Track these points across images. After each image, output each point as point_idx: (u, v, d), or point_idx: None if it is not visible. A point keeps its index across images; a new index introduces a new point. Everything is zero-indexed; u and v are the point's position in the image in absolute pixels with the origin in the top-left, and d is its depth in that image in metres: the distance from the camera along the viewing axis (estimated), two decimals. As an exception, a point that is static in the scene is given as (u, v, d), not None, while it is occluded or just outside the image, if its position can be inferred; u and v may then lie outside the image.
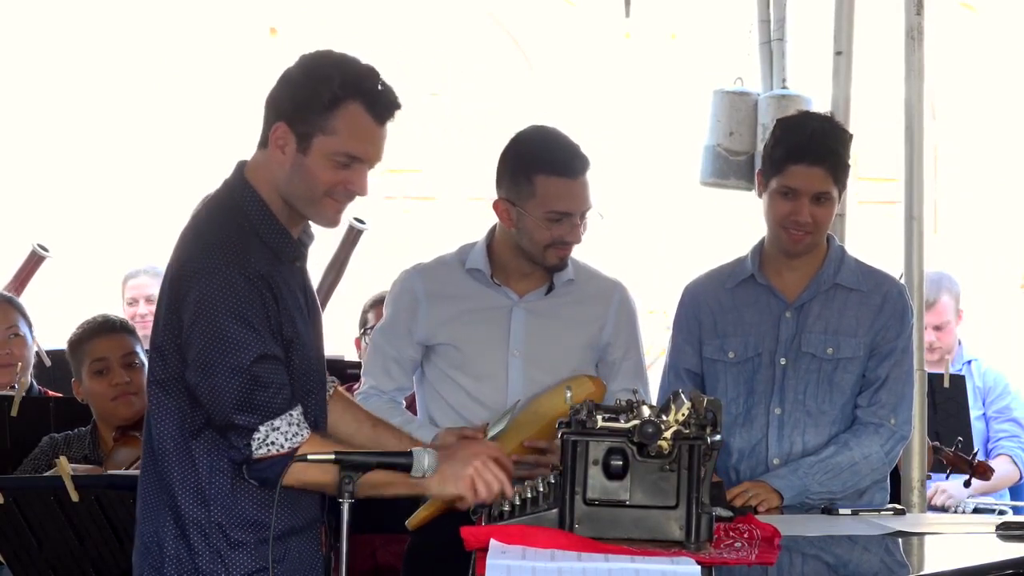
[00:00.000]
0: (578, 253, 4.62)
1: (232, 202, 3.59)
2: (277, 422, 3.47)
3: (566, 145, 4.47)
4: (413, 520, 4.17)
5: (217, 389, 3.47)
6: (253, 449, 3.46)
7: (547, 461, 4.27)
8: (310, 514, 3.68)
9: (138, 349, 5.20)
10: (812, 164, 4.43)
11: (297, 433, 3.48)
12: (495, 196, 4.52)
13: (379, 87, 3.54)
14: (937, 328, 6.73)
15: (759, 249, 4.64)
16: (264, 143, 3.59)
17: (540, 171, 4.39)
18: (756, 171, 4.64)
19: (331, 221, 3.62)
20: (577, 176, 4.42)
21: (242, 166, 3.64)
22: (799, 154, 4.42)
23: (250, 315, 3.46)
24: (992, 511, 6.36)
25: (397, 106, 3.57)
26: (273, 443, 3.47)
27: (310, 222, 3.67)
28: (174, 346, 3.53)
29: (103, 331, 5.19)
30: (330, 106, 3.50)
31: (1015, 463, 6.66)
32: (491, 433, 4.30)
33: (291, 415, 3.49)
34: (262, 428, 3.46)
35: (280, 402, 3.48)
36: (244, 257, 3.49)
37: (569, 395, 3.88)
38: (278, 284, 3.53)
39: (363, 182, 3.57)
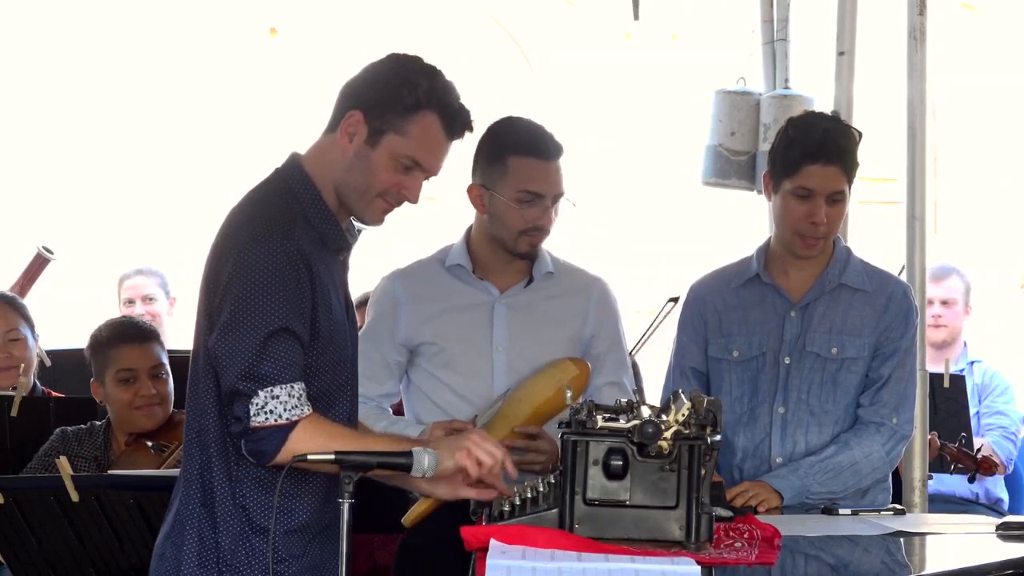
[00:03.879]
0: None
1: (284, 184, 3.62)
2: (277, 390, 3.44)
3: (540, 130, 4.50)
4: (409, 517, 4.16)
5: (230, 354, 3.46)
6: (251, 415, 3.44)
7: (537, 447, 4.28)
8: (337, 513, 3.68)
9: (164, 359, 5.17)
10: (827, 164, 4.43)
11: (297, 407, 3.46)
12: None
13: (458, 106, 3.62)
14: (944, 303, 6.76)
15: (764, 249, 4.65)
16: (329, 127, 3.64)
17: (513, 152, 4.42)
18: (763, 173, 4.63)
19: (376, 220, 3.66)
20: (550, 159, 4.45)
21: (295, 156, 3.66)
22: (814, 154, 4.42)
23: (280, 287, 3.47)
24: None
25: (470, 128, 3.66)
26: (271, 412, 3.44)
27: (354, 223, 3.70)
28: (206, 320, 3.54)
29: (133, 339, 5.13)
30: (411, 109, 3.56)
31: (997, 455, 6.66)
32: (479, 425, 4.30)
33: (292, 387, 3.46)
34: (261, 393, 3.44)
35: (284, 374, 3.46)
36: (287, 232, 3.51)
37: (569, 395, 3.87)
38: (318, 269, 3.54)
39: (417, 189, 3.63)
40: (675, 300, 5.62)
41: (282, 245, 3.48)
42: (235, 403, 3.47)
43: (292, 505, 3.57)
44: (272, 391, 3.45)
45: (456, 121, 3.61)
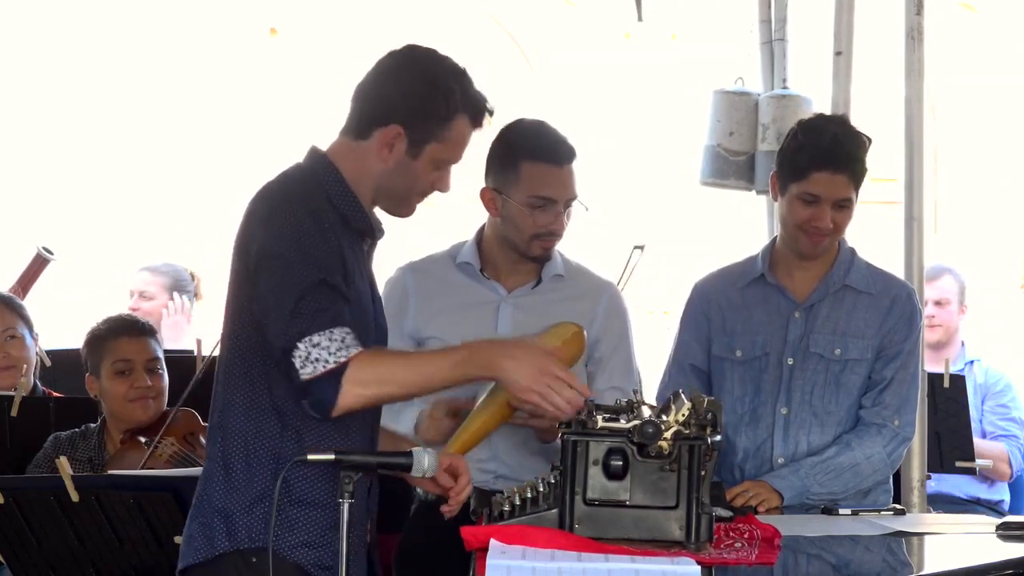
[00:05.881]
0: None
1: (308, 170, 3.64)
2: (316, 337, 3.42)
3: (553, 134, 4.50)
4: (454, 445, 4.02)
5: (273, 319, 3.47)
6: (299, 369, 3.42)
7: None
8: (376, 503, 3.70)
9: (160, 354, 5.19)
10: (836, 172, 4.44)
11: (341, 348, 3.43)
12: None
13: (480, 97, 3.69)
14: (937, 303, 6.78)
15: (769, 249, 4.65)
16: (356, 134, 3.65)
17: (526, 157, 4.42)
18: (771, 173, 4.62)
19: (408, 214, 3.73)
20: (562, 164, 4.45)
21: (316, 149, 3.68)
22: (823, 161, 4.42)
23: (312, 247, 3.48)
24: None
25: (490, 112, 3.72)
26: (316, 360, 3.42)
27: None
28: (235, 306, 3.56)
29: (130, 332, 5.16)
30: (447, 118, 3.63)
31: (1009, 462, 6.67)
32: (480, 400, 4.29)
33: (332, 332, 3.44)
34: (300, 345, 3.43)
35: (317, 322, 3.44)
36: (311, 202, 3.55)
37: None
38: (344, 251, 3.56)
39: (448, 180, 3.71)
40: (641, 248, 5.64)
41: (309, 215, 3.51)
42: (285, 363, 3.46)
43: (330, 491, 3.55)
44: (311, 339, 3.43)
45: (480, 114, 3.69)
